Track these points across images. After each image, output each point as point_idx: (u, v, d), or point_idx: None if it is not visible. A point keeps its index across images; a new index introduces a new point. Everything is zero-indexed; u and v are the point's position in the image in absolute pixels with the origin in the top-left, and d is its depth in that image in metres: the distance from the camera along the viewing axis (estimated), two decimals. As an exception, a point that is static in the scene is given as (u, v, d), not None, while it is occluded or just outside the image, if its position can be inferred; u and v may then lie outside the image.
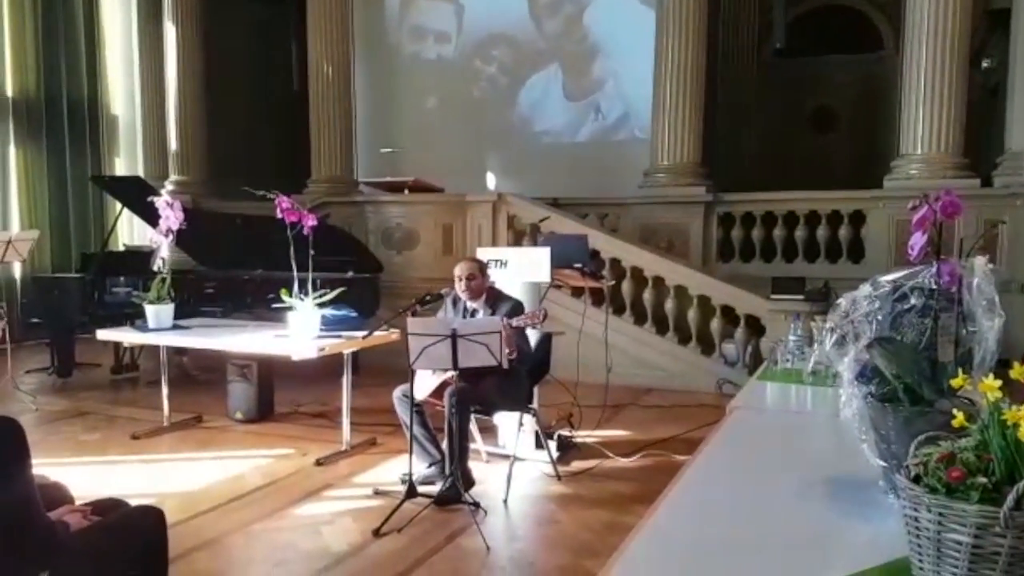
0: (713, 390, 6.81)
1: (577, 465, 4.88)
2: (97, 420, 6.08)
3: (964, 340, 1.59)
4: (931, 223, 1.61)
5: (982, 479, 1.15)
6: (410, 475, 4.15)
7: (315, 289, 4.91)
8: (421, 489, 4.14)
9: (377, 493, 4.39)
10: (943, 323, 1.59)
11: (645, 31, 9.23)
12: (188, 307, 6.37)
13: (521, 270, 5.17)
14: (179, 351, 7.21)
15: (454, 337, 3.88)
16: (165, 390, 5.76)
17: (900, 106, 7.85)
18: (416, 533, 3.81)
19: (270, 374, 6.06)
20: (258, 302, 7.01)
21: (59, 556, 2.06)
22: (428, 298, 4.51)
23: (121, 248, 9.59)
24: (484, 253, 5.18)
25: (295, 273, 4.79)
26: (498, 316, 4.31)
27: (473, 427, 4.67)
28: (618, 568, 1.38)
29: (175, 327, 5.54)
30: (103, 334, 5.79)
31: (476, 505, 4.01)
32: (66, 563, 2.07)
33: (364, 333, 4.98)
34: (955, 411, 1.26)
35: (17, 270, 9.14)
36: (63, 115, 10.20)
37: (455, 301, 4.65)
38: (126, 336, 5.86)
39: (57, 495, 2.39)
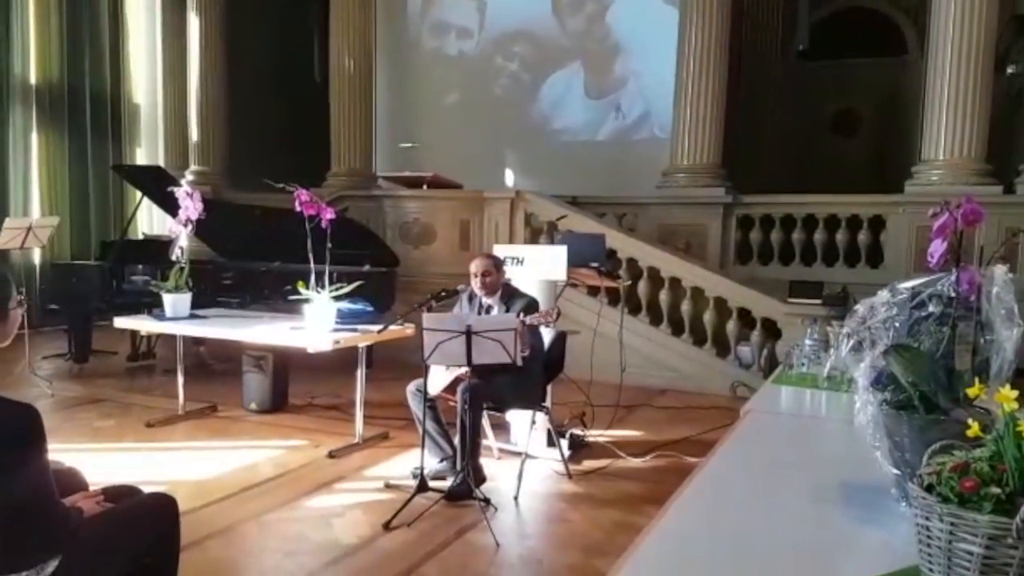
0: (727, 392, 6.79)
1: (588, 464, 4.88)
2: (112, 407, 6.13)
3: (982, 349, 1.57)
4: (952, 230, 1.59)
5: (995, 490, 1.14)
6: (421, 469, 4.16)
7: (332, 282, 4.93)
8: (432, 484, 4.15)
9: (388, 487, 4.40)
10: (961, 331, 1.57)
11: (668, 30, 9.19)
12: (205, 297, 6.40)
13: (537, 268, 5.17)
14: (196, 341, 7.27)
15: (469, 333, 3.89)
16: (181, 379, 5.80)
17: (923, 110, 7.78)
18: (426, 528, 3.82)
19: (285, 366, 6.09)
20: (275, 294, 7.05)
21: (72, 542, 2.08)
22: (444, 294, 4.51)
23: (140, 237, 9.68)
24: (501, 250, 5.18)
25: (312, 266, 4.81)
26: (512, 313, 4.31)
27: (485, 423, 4.68)
28: (628, 568, 1.37)
29: (192, 316, 5.58)
30: (120, 322, 5.84)
31: (487, 501, 4.02)
32: (79, 549, 2.09)
33: (379, 327, 4.98)
34: (970, 420, 1.26)
35: (37, 256, 9.24)
36: (86, 104, 10.30)
37: (471, 297, 4.66)
38: (143, 324, 5.90)
39: (72, 481, 2.41)
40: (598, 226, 7.61)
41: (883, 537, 1.52)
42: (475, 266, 4.56)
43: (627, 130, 10.84)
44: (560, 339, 4.87)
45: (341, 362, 5.60)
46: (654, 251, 7.60)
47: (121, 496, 2.39)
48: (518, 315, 4.24)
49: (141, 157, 11.29)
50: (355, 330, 4.98)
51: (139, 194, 7.97)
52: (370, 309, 5.51)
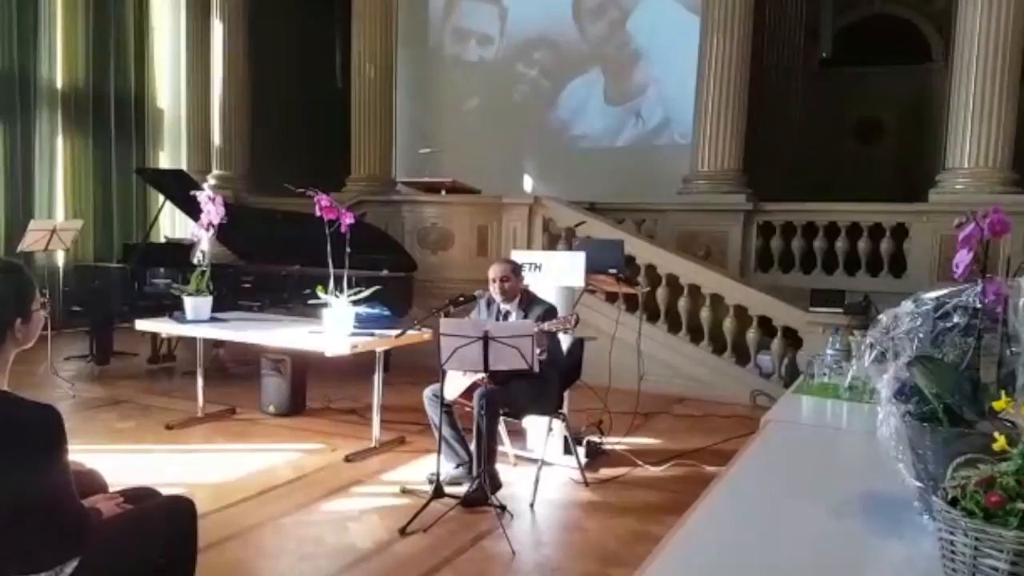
0: (747, 401, 6.73)
1: (605, 472, 4.85)
2: (132, 409, 6.17)
3: (1007, 361, 1.54)
4: (978, 241, 1.57)
5: (1021, 505, 1.12)
6: (437, 475, 4.16)
7: (350, 287, 4.94)
8: (448, 489, 4.15)
9: (404, 492, 4.40)
10: (986, 343, 1.54)
11: (689, 37, 9.18)
12: (226, 300, 6.44)
13: (556, 274, 5.15)
14: (216, 343, 7.33)
15: (486, 339, 3.88)
16: (200, 381, 5.83)
17: (948, 118, 7.70)
18: (442, 533, 3.81)
19: (303, 369, 6.11)
20: (294, 298, 7.09)
21: (91, 543, 2.09)
22: (461, 299, 4.52)
23: (162, 240, 9.75)
24: (519, 256, 5.17)
25: (331, 270, 4.83)
26: (531, 319, 4.30)
27: (502, 430, 4.67)
28: (644, 579, 1.36)
29: (212, 319, 5.62)
30: (142, 324, 5.87)
31: (503, 508, 4.00)
32: (98, 550, 2.10)
33: (397, 332, 5.00)
34: (996, 434, 1.23)
35: (60, 258, 9.33)
36: (110, 107, 10.42)
37: (489, 303, 4.65)
38: (164, 327, 5.95)
39: (92, 482, 2.43)
40: (616, 232, 7.59)
41: (905, 551, 1.49)
42: (494, 271, 4.55)
43: (647, 136, 10.83)
44: (578, 345, 4.86)
45: (358, 366, 5.61)
46: (673, 257, 7.56)
47: (139, 498, 2.40)
48: (536, 322, 4.23)
49: (164, 161, 11.39)
50: (373, 334, 4.99)
51: (162, 197, 8.05)
52: (388, 314, 5.52)
